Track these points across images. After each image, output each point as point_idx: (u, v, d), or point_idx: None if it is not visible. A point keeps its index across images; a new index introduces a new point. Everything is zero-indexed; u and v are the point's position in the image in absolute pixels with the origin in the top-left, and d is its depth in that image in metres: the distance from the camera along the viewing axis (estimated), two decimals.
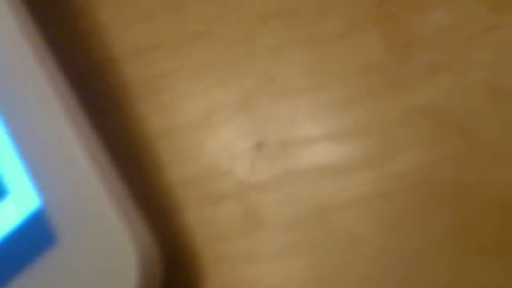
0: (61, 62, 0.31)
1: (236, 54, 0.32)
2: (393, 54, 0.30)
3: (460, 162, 0.29)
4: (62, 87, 0.29)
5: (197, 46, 0.32)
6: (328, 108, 0.31)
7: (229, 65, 0.32)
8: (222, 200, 0.31)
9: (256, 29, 0.32)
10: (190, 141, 0.32)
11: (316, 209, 0.30)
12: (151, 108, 0.32)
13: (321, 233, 0.30)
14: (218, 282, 0.30)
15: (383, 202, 0.29)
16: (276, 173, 0.31)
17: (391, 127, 0.30)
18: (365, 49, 0.31)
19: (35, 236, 0.28)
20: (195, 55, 0.32)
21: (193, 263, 0.30)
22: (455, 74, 0.29)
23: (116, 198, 0.28)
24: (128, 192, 0.29)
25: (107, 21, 0.34)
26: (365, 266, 0.29)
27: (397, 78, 0.30)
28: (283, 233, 0.30)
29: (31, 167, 0.29)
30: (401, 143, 0.29)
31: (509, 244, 0.28)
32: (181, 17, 0.33)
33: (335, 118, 0.30)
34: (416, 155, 0.29)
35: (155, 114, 0.32)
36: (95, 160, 0.29)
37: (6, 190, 0.29)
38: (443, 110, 0.29)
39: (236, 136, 0.31)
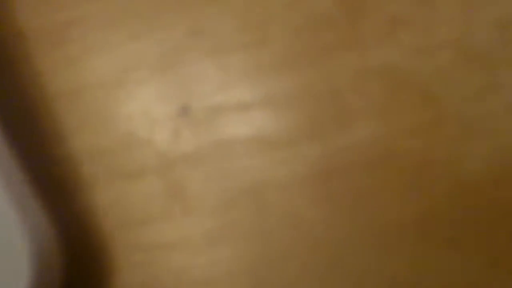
0: None
1: (156, 1, 0.28)
2: (345, 6, 0.27)
3: (425, 134, 0.26)
4: None
5: None
6: (265, 69, 0.27)
7: (148, 14, 0.28)
8: (139, 176, 0.28)
9: None
10: (100, 104, 0.28)
11: (250, 188, 0.27)
12: (52, 63, 0.29)
13: (257, 216, 0.27)
14: (134, 275, 0.27)
15: (332, 179, 0.26)
16: (204, 144, 0.27)
17: (342, 92, 0.27)
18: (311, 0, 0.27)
19: None
20: (106, 1, 0.29)
21: (104, 251, 0.28)
22: (417, 31, 0.26)
23: (3, 174, 0.25)
24: (20, 167, 0.26)
25: None
26: (309, 255, 0.26)
27: (350, 34, 0.27)
28: (212, 215, 0.27)
29: None
30: (354, 111, 0.27)
31: (478, 232, 0.25)
32: None
33: (274, 81, 0.27)
34: (372, 125, 0.26)
35: (57, 71, 0.29)
36: None
37: None
38: (403, 73, 0.26)
39: (156, 99, 0.28)
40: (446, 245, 0.25)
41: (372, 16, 0.26)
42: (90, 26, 0.29)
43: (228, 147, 0.27)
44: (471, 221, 0.25)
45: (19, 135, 0.27)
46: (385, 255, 0.26)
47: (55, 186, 0.28)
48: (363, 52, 0.26)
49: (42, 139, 0.28)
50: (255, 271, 0.27)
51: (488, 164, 0.25)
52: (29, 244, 0.25)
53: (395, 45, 0.26)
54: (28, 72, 0.29)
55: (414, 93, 0.26)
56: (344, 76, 0.26)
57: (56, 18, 0.29)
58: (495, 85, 0.26)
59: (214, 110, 0.27)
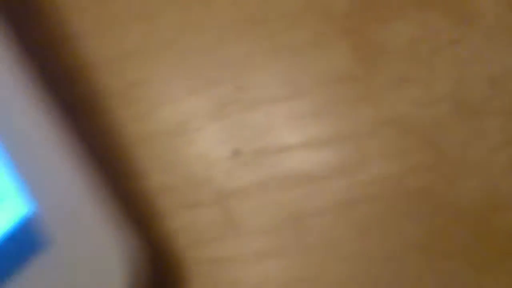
0: (37, 70, 0.31)
1: (207, 62, 0.32)
2: (362, 66, 0.31)
3: (427, 173, 0.30)
4: (46, 100, 0.30)
5: (168, 54, 0.33)
6: (302, 117, 0.31)
7: (201, 73, 0.32)
8: (201, 207, 0.31)
9: (226, 37, 0.32)
10: (167, 148, 0.32)
11: (291, 215, 0.31)
12: (126, 117, 0.33)
13: (296, 237, 0.30)
14: (202, 283, 0.31)
15: (356, 208, 0.30)
16: (253, 180, 0.31)
17: (362, 136, 0.31)
18: (335, 60, 0.31)
19: (26, 240, 0.29)
20: (166, 63, 0.33)
21: (178, 265, 0.31)
22: (420, 87, 0.30)
23: (102, 203, 0.29)
24: (113, 198, 0.30)
25: (82, 30, 0.34)
26: (339, 267, 0.30)
27: (366, 89, 0.31)
28: (259, 237, 0.31)
29: (22, 177, 0.29)
30: (371, 152, 0.30)
31: (470, 250, 0.29)
32: (152, 25, 0.33)
33: (309, 127, 0.31)
34: (385, 165, 0.30)
35: (132, 122, 0.33)
36: (81, 168, 0.29)
37: None
38: (409, 122, 0.30)
39: (213, 144, 0.32)
40: (442, 260, 0.29)
41: (383, 73, 0.30)
42: (152, 85, 0.32)
43: (272, 182, 0.31)
44: (464, 242, 0.29)
45: (106, 175, 0.31)
46: (396, 267, 0.29)
47: (135, 215, 0.31)
48: (376, 103, 0.30)
49: (123, 177, 0.32)
50: (297, 281, 0.30)
51: (478, 198, 0.29)
52: (123, 258, 0.28)
53: (401, 97, 0.30)
54: (109, 125, 0.32)
55: (417, 138, 0.30)
56: (362, 123, 0.30)
57: (127, 79, 0.33)
58: (482, 131, 0.29)
59: (261, 152, 0.31)
